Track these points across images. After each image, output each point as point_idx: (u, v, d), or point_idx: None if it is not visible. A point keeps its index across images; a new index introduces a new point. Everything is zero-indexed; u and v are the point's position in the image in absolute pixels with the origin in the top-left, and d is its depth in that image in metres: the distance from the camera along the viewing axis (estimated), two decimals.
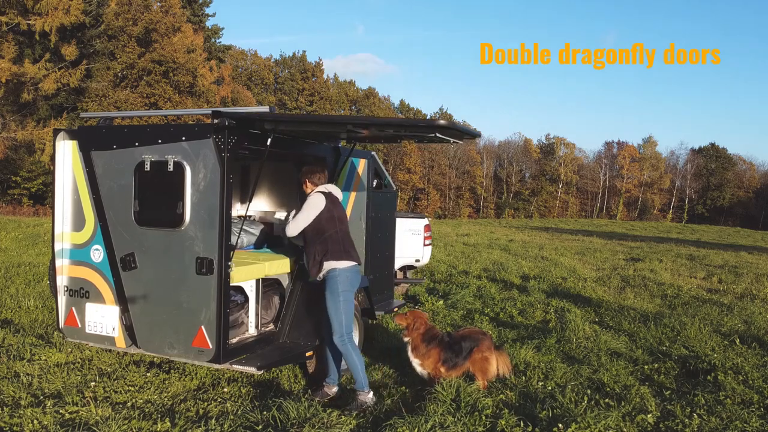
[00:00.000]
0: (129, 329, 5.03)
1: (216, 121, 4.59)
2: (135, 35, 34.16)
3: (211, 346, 4.72)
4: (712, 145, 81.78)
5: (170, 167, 4.78)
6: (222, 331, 4.71)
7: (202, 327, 4.71)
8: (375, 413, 4.87)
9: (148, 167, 4.89)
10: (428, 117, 69.42)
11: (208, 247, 4.67)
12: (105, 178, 5.10)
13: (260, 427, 4.41)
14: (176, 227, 4.76)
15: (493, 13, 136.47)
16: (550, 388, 5.52)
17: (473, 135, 4.79)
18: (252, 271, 5.17)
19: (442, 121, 4.40)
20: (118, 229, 5.05)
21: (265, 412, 4.60)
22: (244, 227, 6.36)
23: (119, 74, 34.79)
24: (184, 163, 4.74)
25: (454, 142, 5.07)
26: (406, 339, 5.45)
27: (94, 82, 33.83)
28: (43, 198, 36.51)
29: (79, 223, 5.25)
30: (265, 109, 4.73)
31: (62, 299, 5.34)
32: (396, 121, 5.19)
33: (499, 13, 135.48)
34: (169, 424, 4.47)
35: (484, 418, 4.61)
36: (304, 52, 66.91)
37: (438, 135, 4.63)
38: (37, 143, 29.02)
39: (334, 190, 5.22)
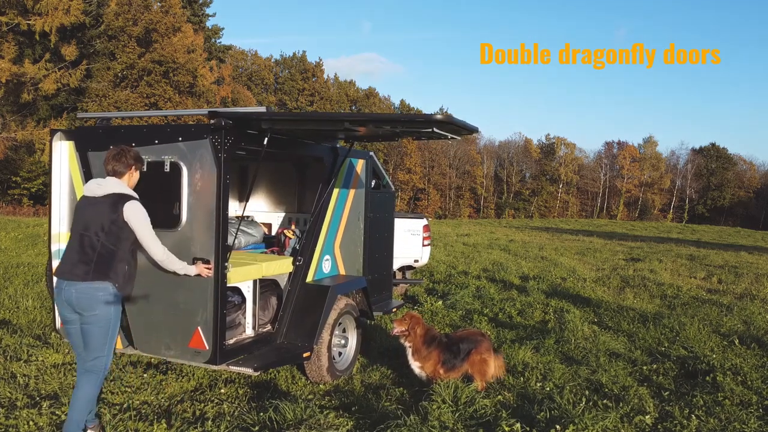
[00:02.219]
0: (125, 330, 5.01)
1: (213, 121, 4.57)
2: (135, 35, 34.16)
3: (207, 347, 4.69)
4: (713, 145, 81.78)
5: (167, 168, 4.76)
6: (219, 332, 4.70)
7: (199, 328, 4.69)
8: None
9: (144, 168, 4.87)
10: None
11: (204, 248, 4.65)
12: None
13: (257, 428, 4.40)
14: (172, 228, 4.74)
15: (493, 13, 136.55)
16: (548, 389, 5.51)
17: (471, 130, 4.73)
18: (249, 271, 5.15)
19: (439, 116, 4.33)
20: None
21: (261, 414, 4.60)
22: (241, 227, 6.35)
23: (119, 74, 34.78)
24: (181, 163, 4.72)
25: (452, 137, 5.03)
26: (407, 344, 5.40)
27: (94, 82, 33.82)
28: (43, 198, 36.52)
29: None
30: (263, 109, 4.71)
31: None
32: (393, 117, 5.13)
33: (499, 13, 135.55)
34: (165, 425, 4.46)
35: (482, 419, 4.60)
36: (305, 52, 67.13)
37: (436, 130, 4.57)
38: (37, 143, 29.04)
39: (86, 188, 4.25)
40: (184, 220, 4.72)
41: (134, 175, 4.31)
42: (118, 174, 4.20)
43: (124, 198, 4.12)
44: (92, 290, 4.01)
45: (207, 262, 4.61)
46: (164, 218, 4.75)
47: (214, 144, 4.60)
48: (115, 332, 4.14)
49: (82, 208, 4.18)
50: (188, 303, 4.73)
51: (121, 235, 4.09)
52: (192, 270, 4.48)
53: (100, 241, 4.04)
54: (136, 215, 4.10)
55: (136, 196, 4.22)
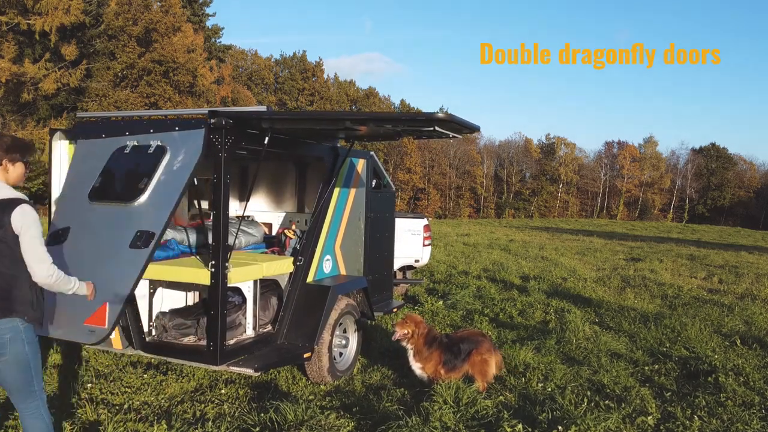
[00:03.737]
0: (124, 330, 4.94)
1: (213, 120, 4.55)
2: (135, 35, 34.14)
3: (106, 326, 4.08)
4: (713, 145, 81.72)
5: (151, 150, 4.73)
6: (219, 331, 4.66)
7: (107, 303, 4.14)
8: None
9: (128, 150, 4.81)
10: None
11: (155, 222, 4.40)
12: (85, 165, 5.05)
13: (257, 429, 4.38)
14: (128, 201, 4.59)
15: (493, 13, 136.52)
16: (549, 389, 5.49)
17: (472, 128, 4.71)
18: (250, 271, 5.12)
19: (440, 114, 4.29)
20: (66, 204, 4.91)
21: (262, 414, 4.58)
22: (242, 227, 6.32)
23: (119, 74, 34.77)
24: (167, 146, 4.69)
25: (453, 136, 5.01)
26: (409, 345, 5.37)
27: (94, 82, 33.81)
28: (43, 198, 36.37)
29: None
30: (263, 108, 4.69)
31: None
32: (394, 116, 5.08)
33: (499, 13, 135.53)
34: (165, 426, 4.43)
35: (483, 419, 4.58)
36: (305, 52, 66.81)
37: (437, 129, 4.55)
38: (37, 143, 28.97)
39: None
40: (145, 196, 4.56)
41: (12, 171, 3.36)
42: None
43: (9, 205, 3.21)
44: None
45: (151, 235, 4.27)
46: (122, 192, 4.63)
47: (212, 141, 4.58)
48: (38, 366, 3.38)
49: None
50: (109, 276, 4.22)
51: (18, 252, 3.20)
52: (84, 289, 3.49)
53: None
54: (25, 222, 3.19)
55: (25, 197, 3.31)
